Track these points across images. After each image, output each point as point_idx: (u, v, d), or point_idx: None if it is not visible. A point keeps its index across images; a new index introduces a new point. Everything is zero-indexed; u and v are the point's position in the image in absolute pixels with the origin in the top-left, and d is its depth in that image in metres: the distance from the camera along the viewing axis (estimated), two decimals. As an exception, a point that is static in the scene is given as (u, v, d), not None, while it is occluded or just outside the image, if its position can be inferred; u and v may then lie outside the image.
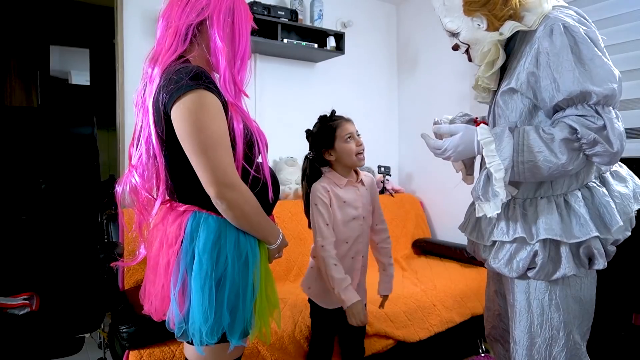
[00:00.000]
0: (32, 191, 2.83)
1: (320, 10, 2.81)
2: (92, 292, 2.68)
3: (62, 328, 2.52)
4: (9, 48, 3.59)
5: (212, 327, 1.01)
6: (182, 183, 1.09)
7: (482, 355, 2.39)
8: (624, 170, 1.22)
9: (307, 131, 1.64)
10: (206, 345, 1.03)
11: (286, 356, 1.74)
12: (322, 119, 1.62)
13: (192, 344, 1.06)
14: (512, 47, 1.19)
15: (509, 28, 1.12)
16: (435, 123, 1.32)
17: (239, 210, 1.04)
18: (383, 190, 3.04)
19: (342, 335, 1.72)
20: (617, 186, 1.15)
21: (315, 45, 2.69)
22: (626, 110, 2.06)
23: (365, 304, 1.68)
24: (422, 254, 2.98)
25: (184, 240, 1.04)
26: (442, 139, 1.22)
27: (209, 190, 1.00)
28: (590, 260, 1.12)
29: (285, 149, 2.81)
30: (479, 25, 1.16)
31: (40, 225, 2.83)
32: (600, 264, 1.10)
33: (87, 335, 2.53)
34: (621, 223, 1.08)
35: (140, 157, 1.10)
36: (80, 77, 3.95)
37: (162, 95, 1.01)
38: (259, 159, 1.14)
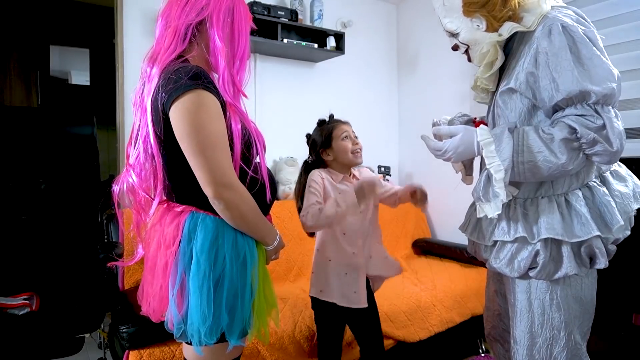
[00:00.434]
0: (32, 191, 2.82)
1: (320, 10, 2.81)
2: (92, 292, 2.68)
3: (62, 328, 2.51)
4: (9, 48, 3.59)
5: (211, 328, 1.01)
6: (179, 183, 1.08)
7: (482, 355, 2.39)
8: (623, 169, 1.22)
9: (307, 135, 1.69)
10: (205, 345, 1.03)
11: (286, 356, 1.74)
12: (321, 122, 1.69)
13: (191, 344, 1.06)
14: (511, 47, 1.19)
15: (507, 29, 1.13)
16: (434, 124, 1.32)
17: (236, 211, 1.03)
18: (383, 190, 3.03)
19: (357, 330, 1.70)
20: (617, 185, 1.15)
21: (315, 45, 2.69)
22: (626, 110, 2.06)
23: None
24: (422, 254, 2.98)
25: (181, 240, 1.04)
26: (441, 140, 1.22)
27: (207, 190, 1.00)
28: (592, 259, 1.12)
29: (285, 149, 2.81)
30: (478, 26, 1.16)
31: (40, 225, 2.83)
32: (602, 263, 1.10)
33: (87, 335, 2.53)
34: (622, 222, 1.08)
35: (137, 156, 1.09)
36: (80, 77, 3.95)
37: (161, 94, 1.00)
38: (257, 160, 1.14)
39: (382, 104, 3.38)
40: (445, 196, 2.96)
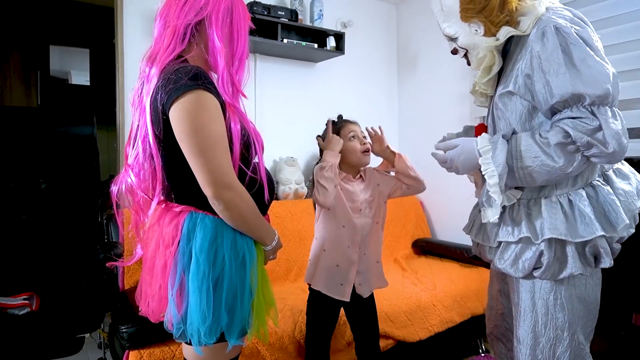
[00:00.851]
0: (32, 191, 2.83)
1: (320, 10, 2.81)
2: (92, 292, 2.68)
3: (62, 328, 2.51)
4: (9, 48, 3.59)
5: (210, 327, 1.01)
6: (178, 183, 1.08)
7: (482, 355, 2.40)
8: (626, 167, 1.22)
9: (317, 137, 1.69)
10: (204, 345, 1.03)
11: (286, 356, 1.74)
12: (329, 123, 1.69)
13: (190, 344, 1.06)
14: (508, 50, 1.20)
15: (504, 33, 1.14)
16: (443, 139, 1.35)
17: (236, 211, 1.03)
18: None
19: (355, 329, 1.72)
20: (620, 184, 1.15)
21: (315, 45, 2.69)
22: (626, 110, 2.06)
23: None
24: (422, 254, 2.98)
25: (180, 240, 1.04)
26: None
27: (207, 190, 1.00)
28: (596, 258, 1.12)
29: (285, 149, 2.80)
30: (476, 30, 1.17)
31: (40, 225, 2.83)
32: (607, 262, 1.10)
33: (87, 335, 2.53)
34: (627, 221, 1.08)
35: (136, 156, 1.09)
36: (80, 77, 3.95)
37: (161, 95, 1.00)
38: (255, 160, 1.14)
39: (382, 103, 3.38)
40: (445, 196, 2.97)
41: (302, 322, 1.81)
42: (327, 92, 3.04)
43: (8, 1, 3.55)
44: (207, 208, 1.05)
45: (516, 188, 1.18)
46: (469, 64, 1.27)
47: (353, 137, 1.61)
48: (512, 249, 1.17)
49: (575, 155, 1.04)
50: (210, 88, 1.01)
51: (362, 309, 1.67)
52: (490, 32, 1.15)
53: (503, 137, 1.13)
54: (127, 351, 1.56)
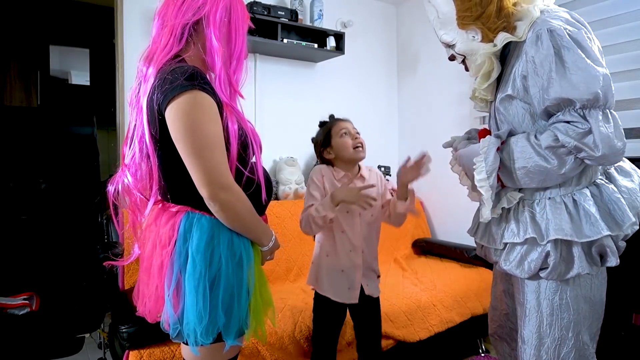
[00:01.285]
0: (32, 191, 2.83)
1: (320, 10, 2.81)
2: (92, 292, 2.69)
3: (62, 328, 2.52)
4: (8, 48, 3.60)
5: (207, 328, 1.00)
6: (175, 183, 1.08)
7: (482, 355, 2.39)
8: (627, 164, 1.22)
9: (312, 139, 1.70)
10: (201, 345, 1.03)
11: (286, 356, 1.74)
12: (322, 124, 1.70)
13: (187, 344, 1.06)
14: (506, 54, 1.20)
15: (501, 39, 1.14)
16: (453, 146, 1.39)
17: (232, 212, 1.03)
18: (383, 190, 3.04)
19: (358, 329, 1.72)
20: (623, 181, 1.15)
21: (315, 45, 2.69)
22: (626, 110, 2.05)
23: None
24: (422, 254, 2.98)
25: (177, 240, 1.04)
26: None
27: (203, 191, 1.00)
28: (602, 257, 1.11)
29: (285, 149, 2.80)
30: (473, 37, 1.17)
31: (40, 225, 2.84)
32: (613, 261, 1.10)
33: (87, 335, 2.53)
34: (633, 219, 1.08)
35: (133, 156, 1.09)
36: (80, 77, 3.96)
37: (157, 95, 1.00)
38: (253, 160, 1.14)
39: (382, 103, 3.38)
40: (445, 196, 2.97)
41: (302, 322, 1.81)
42: (327, 92, 3.04)
43: (8, 1, 3.55)
44: (204, 208, 1.04)
45: (516, 190, 1.18)
46: (467, 69, 1.28)
47: (345, 133, 1.61)
48: (517, 250, 1.17)
49: (567, 157, 1.04)
50: (207, 88, 1.00)
51: (369, 309, 1.67)
52: (487, 38, 1.16)
53: (499, 136, 1.14)
54: (127, 351, 1.56)
